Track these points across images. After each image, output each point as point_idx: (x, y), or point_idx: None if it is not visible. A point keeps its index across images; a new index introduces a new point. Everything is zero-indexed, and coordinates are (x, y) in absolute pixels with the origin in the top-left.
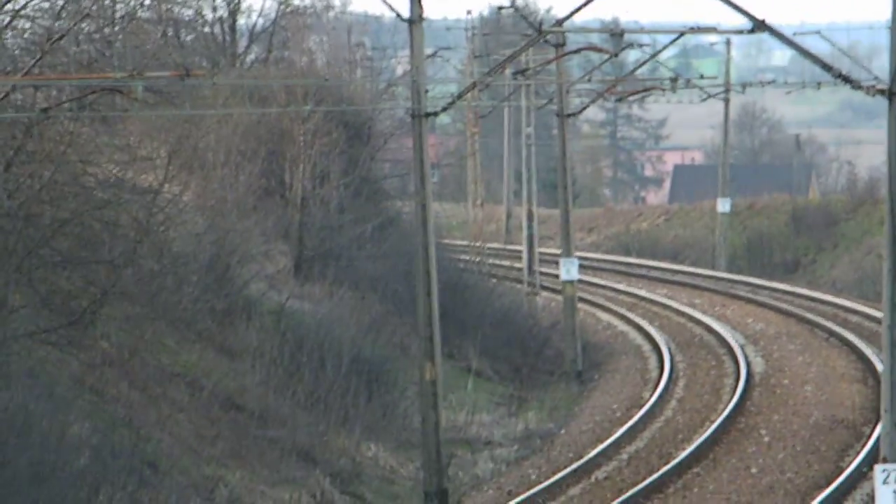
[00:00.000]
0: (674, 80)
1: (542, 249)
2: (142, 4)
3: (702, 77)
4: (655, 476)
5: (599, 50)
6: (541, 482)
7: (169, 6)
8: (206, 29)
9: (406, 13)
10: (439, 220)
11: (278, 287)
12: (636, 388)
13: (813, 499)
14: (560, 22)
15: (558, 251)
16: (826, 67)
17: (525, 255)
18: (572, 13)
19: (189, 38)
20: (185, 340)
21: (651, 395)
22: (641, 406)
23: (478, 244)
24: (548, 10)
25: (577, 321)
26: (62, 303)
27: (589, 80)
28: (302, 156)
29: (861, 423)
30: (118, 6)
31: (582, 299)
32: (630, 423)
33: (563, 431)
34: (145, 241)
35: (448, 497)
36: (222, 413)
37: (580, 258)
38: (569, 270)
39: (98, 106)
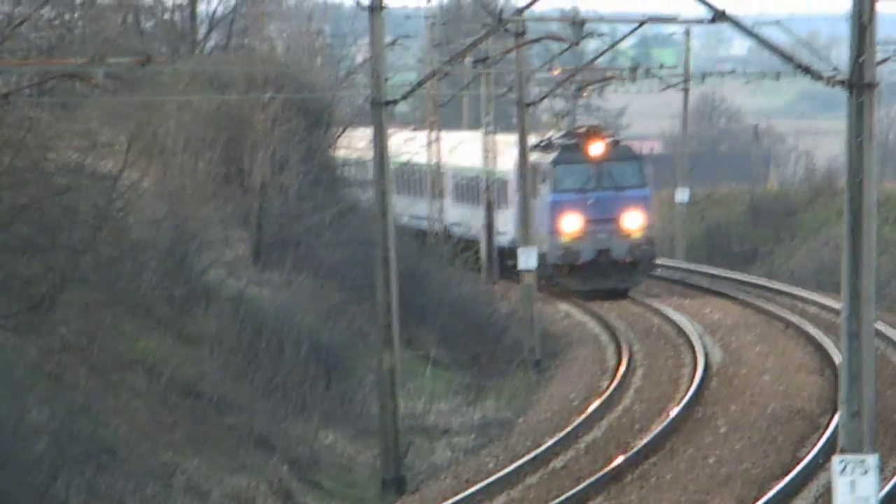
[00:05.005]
0: (633, 69)
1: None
2: None
3: (661, 67)
4: (613, 465)
5: (559, 39)
6: (498, 471)
7: None
8: (166, 15)
9: (366, 1)
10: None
11: (237, 274)
12: (594, 377)
13: (770, 489)
14: (520, 11)
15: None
16: (786, 58)
17: (483, 245)
18: (532, 2)
19: (149, 24)
20: (143, 327)
21: (609, 385)
22: (599, 395)
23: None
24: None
25: (536, 310)
26: (21, 288)
27: (549, 70)
28: (261, 143)
29: (818, 414)
30: None
31: (540, 288)
32: (588, 412)
33: (520, 420)
34: (104, 228)
35: (406, 485)
36: (180, 400)
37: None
38: (527, 260)
39: (58, 91)
